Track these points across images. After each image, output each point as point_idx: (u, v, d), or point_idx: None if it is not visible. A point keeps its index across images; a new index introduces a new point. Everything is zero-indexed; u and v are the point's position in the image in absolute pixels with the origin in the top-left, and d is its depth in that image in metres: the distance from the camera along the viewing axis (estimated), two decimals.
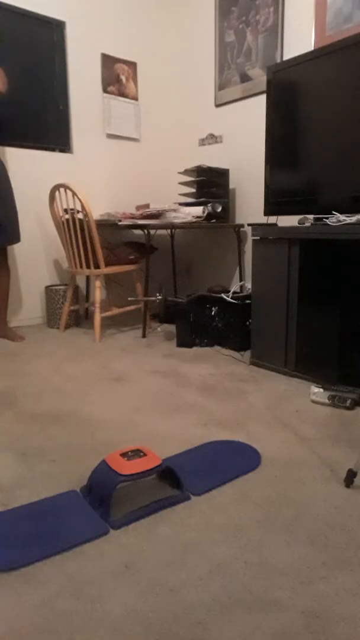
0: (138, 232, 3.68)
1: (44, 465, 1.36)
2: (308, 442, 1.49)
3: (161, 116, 3.74)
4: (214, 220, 3.10)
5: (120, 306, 3.11)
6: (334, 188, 2.05)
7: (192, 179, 3.23)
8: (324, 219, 1.96)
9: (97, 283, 2.73)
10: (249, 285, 3.09)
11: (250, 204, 3.25)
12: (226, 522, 1.10)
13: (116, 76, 3.42)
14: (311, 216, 2.05)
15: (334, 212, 2.00)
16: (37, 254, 3.22)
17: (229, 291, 2.68)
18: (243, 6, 3.05)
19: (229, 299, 2.57)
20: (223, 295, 2.60)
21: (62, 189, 3.18)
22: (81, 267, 2.82)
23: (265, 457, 1.40)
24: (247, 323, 2.51)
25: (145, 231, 2.85)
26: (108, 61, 3.36)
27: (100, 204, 3.48)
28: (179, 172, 3.31)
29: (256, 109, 3.10)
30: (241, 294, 2.62)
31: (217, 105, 3.38)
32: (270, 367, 2.22)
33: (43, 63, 3.08)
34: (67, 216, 2.77)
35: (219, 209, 3.04)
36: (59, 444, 1.49)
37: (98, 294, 2.75)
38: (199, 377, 2.13)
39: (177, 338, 2.68)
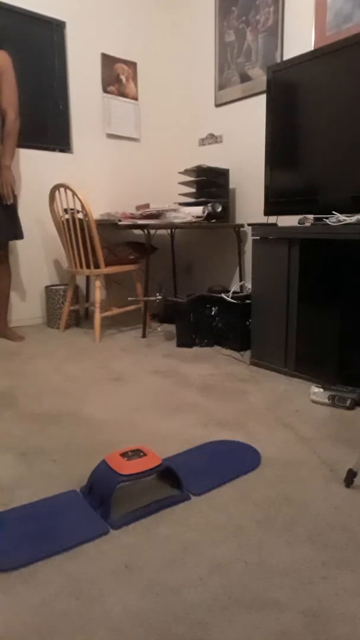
0: (138, 232, 3.68)
1: (44, 465, 1.36)
2: (308, 442, 1.49)
3: (161, 116, 3.74)
4: (214, 220, 3.10)
5: (120, 306, 3.11)
6: (334, 188, 2.05)
7: (192, 179, 3.23)
8: (324, 219, 1.96)
9: (97, 283, 2.73)
10: (249, 285, 3.09)
11: (250, 204, 3.25)
12: (226, 522, 1.10)
13: (116, 76, 3.42)
14: (311, 216, 2.04)
15: (334, 212, 2.00)
16: (37, 254, 3.22)
17: (229, 291, 2.68)
18: (243, 6, 3.05)
19: (229, 299, 2.57)
20: (223, 295, 2.60)
21: (62, 189, 3.18)
22: (81, 267, 2.82)
23: (265, 457, 1.40)
24: (247, 323, 2.51)
25: (145, 231, 2.85)
26: (108, 61, 3.36)
27: (100, 204, 3.48)
28: (179, 172, 3.31)
29: (256, 109, 3.10)
30: (241, 294, 2.62)
31: (217, 105, 3.38)
32: (270, 367, 2.22)
33: (43, 63, 3.08)
34: (67, 216, 2.77)
35: (219, 209, 3.04)
36: (59, 444, 1.49)
37: (98, 294, 2.75)
38: (199, 377, 2.13)
39: (177, 338, 2.68)
